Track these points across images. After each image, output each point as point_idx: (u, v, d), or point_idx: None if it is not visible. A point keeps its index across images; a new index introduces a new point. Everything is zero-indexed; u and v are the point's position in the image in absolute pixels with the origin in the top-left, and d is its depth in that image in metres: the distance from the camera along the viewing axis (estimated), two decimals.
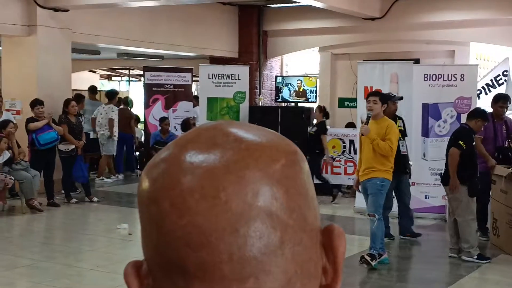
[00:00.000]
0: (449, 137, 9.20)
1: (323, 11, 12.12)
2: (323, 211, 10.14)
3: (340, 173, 10.97)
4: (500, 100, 8.16)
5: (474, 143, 6.96)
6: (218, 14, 13.78)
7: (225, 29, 13.97)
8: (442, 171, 7.24)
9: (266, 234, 0.57)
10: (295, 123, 11.56)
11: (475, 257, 6.86)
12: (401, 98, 8.26)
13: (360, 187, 6.88)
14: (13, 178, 9.17)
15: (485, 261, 6.89)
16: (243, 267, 0.57)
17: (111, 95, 12.39)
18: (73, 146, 10.04)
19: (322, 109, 10.95)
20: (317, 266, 0.62)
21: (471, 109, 9.16)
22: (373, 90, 8.61)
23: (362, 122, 7.20)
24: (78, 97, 12.02)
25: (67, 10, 10.71)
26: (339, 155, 11.00)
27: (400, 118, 7.97)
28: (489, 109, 8.86)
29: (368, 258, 6.52)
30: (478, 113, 7.13)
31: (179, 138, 0.63)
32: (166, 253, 0.59)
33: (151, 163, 0.62)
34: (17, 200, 9.67)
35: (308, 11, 12.90)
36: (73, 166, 10.04)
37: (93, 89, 13.97)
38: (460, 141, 6.80)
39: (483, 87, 11.00)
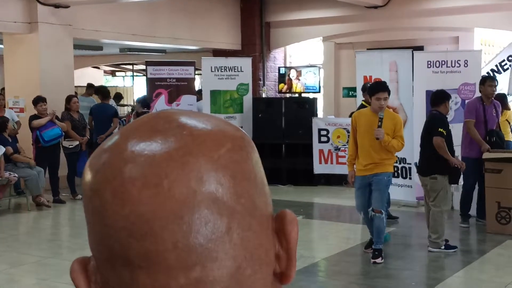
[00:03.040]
0: (454, 124, 9.23)
1: (325, 1, 12.09)
2: (331, 201, 10.14)
3: (345, 163, 10.91)
4: (487, 80, 8.18)
5: (449, 129, 6.87)
6: (220, 6, 13.74)
7: (227, 21, 13.93)
8: (417, 162, 7.16)
9: (212, 221, 0.56)
10: (299, 114, 11.54)
11: (443, 247, 6.76)
12: None
13: (356, 181, 6.52)
14: (17, 175, 9.19)
15: (453, 250, 6.78)
16: (188, 255, 0.56)
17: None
18: (77, 142, 10.06)
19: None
20: (269, 253, 0.61)
21: (475, 95, 9.15)
22: (372, 79, 8.56)
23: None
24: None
25: (68, 6, 10.70)
26: (344, 145, 10.95)
27: None
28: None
29: (379, 260, 6.44)
30: (445, 96, 6.91)
31: (123, 127, 0.62)
32: (110, 245, 0.57)
33: (94, 154, 0.61)
34: (23, 197, 9.69)
35: (310, 1, 12.85)
36: (78, 162, 10.07)
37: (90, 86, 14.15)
38: (440, 129, 6.60)
39: (488, 73, 10.93)
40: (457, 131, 9.06)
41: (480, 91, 8.19)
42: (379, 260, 6.45)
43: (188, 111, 0.64)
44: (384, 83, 6.87)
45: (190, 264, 0.56)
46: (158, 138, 0.57)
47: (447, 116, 6.99)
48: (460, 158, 7.95)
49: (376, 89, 6.36)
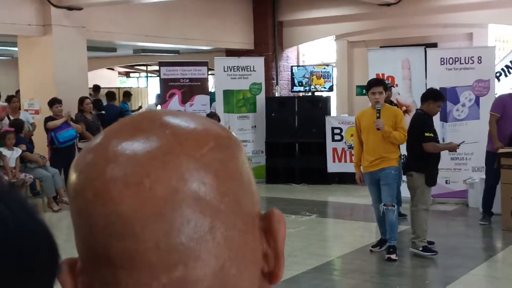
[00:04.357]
0: (468, 121, 9.18)
1: None
2: (345, 200, 10.12)
3: None
4: None
5: (434, 128, 6.56)
6: (232, 6, 13.75)
7: (239, 21, 13.94)
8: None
9: (194, 220, 0.55)
10: (312, 113, 11.52)
11: (420, 248, 6.49)
12: (393, 86, 8.28)
13: (365, 178, 6.63)
14: (32, 176, 9.27)
15: (430, 254, 6.50)
16: (170, 254, 0.55)
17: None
18: None
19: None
20: (256, 252, 0.60)
21: (489, 92, 9.08)
22: (385, 77, 8.59)
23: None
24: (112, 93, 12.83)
25: (81, 9, 10.76)
26: None
27: (395, 105, 8.04)
28: (508, 91, 8.77)
29: (393, 256, 6.47)
30: (434, 96, 6.55)
31: (108, 127, 0.62)
32: (93, 246, 0.57)
33: (79, 155, 0.61)
34: (38, 198, 9.76)
35: (323, 0, 12.82)
36: None
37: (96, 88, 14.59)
38: (426, 134, 6.37)
39: (502, 69, 10.85)
40: (471, 128, 9.02)
41: None
42: (393, 256, 6.46)
43: (174, 110, 0.63)
44: (378, 79, 7.20)
45: (172, 264, 0.55)
46: (140, 138, 0.57)
47: (432, 116, 6.62)
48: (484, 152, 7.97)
49: (370, 85, 6.61)
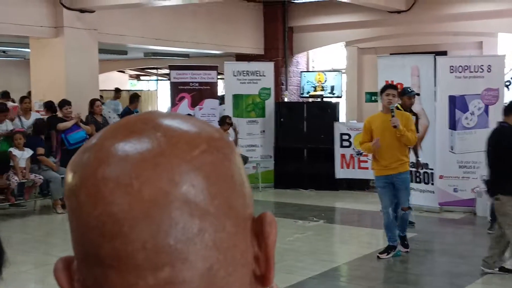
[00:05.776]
0: (477, 130, 9.15)
1: (348, 5, 12.06)
2: (352, 206, 10.12)
3: (367, 168, 10.90)
4: None
5: None
6: (243, 11, 13.80)
7: (250, 26, 13.98)
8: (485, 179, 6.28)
9: (182, 222, 0.56)
10: (321, 118, 11.54)
11: (497, 269, 6.23)
12: (418, 94, 8.31)
13: (379, 182, 6.80)
14: (42, 177, 9.32)
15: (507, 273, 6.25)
16: (157, 255, 0.56)
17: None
18: None
19: None
20: (246, 254, 0.61)
21: (499, 101, 9.07)
22: (393, 83, 8.66)
23: None
24: (135, 96, 12.74)
25: (93, 11, 10.82)
26: None
27: (415, 114, 8.09)
28: None
29: (404, 249, 6.97)
30: None
31: (104, 128, 0.63)
32: (84, 245, 0.58)
33: (75, 155, 0.62)
34: (48, 199, 9.82)
35: (333, 6, 12.84)
36: None
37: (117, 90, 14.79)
38: None
39: None
40: (480, 136, 9.00)
41: None
42: (404, 249, 6.96)
43: (169, 112, 0.64)
44: (394, 85, 7.62)
45: (159, 265, 0.56)
46: (133, 139, 0.58)
47: None
48: None
49: (386, 87, 6.90)
